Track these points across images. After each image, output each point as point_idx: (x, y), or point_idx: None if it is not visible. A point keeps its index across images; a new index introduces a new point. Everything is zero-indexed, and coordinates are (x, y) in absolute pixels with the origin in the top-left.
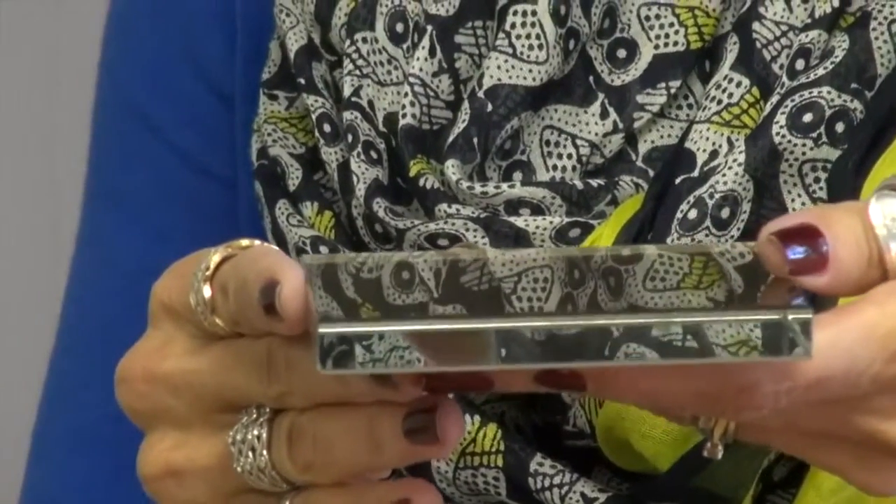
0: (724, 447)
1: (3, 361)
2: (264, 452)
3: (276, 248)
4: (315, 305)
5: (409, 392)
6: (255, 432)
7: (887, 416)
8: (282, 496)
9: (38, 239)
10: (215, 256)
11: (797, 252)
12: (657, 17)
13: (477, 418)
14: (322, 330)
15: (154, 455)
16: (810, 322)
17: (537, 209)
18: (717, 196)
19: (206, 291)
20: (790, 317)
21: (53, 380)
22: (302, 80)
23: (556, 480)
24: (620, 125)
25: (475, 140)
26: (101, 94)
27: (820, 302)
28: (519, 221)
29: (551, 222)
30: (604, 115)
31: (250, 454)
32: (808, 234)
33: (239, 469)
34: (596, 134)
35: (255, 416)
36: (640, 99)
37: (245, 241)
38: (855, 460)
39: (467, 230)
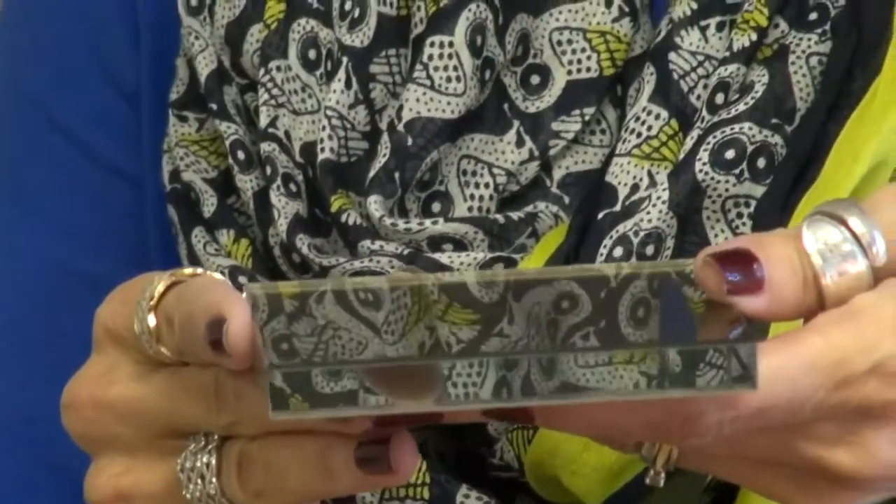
0: (665, 475)
1: None
2: (213, 479)
3: (221, 277)
4: (263, 346)
5: (360, 425)
6: (204, 459)
7: (830, 443)
8: None
9: None
10: (160, 286)
11: (734, 275)
12: (569, 41)
13: None
14: (273, 374)
15: (103, 480)
16: (755, 352)
17: (460, 244)
18: (641, 234)
19: (151, 321)
20: (736, 346)
21: None
22: (214, 106)
23: None
24: (536, 152)
25: (396, 174)
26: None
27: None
28: (443, 258)
29: (475, 258)
30: (519, 142)
31: (199, 481)
32: (743, 259)
33: (188, 496)
34: (512, 162)
35: (203, 443)
36: (554, 126)
37: (188, 270)
38: (798, 487)
39: (392, 267)
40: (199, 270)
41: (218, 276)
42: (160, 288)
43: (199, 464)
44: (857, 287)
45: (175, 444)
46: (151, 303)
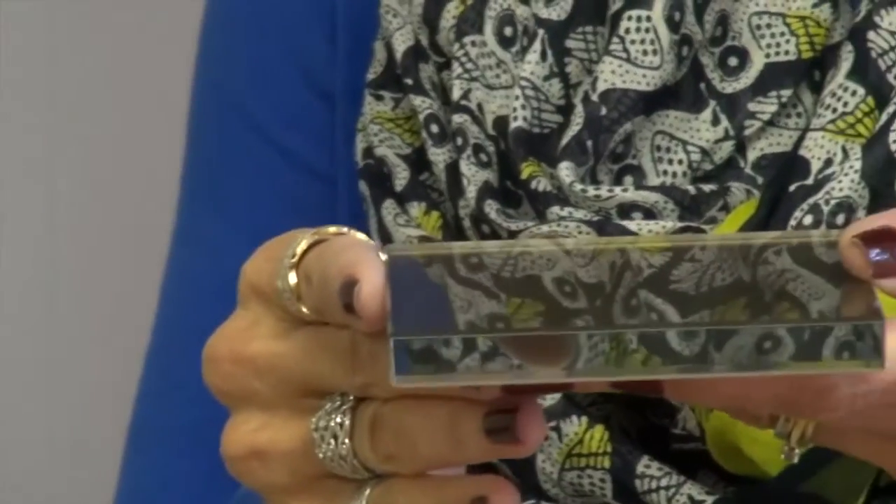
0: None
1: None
2: (346, 440)
3: (363, 237)
4: (390, 308)
5: (490, 392)
6: (338, 420)
7: None
8: (362, 483)
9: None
10: (303, 243)
11: (879, 255)
12: (768, 26)
13: (584, 419)
14: (395, 339)
15: (239, 435)
16: (883, 330)
17: (649, 213)
18: (832, 202)
19: (292, 279)
20: (866, 324)
21: (153, 376)
22: (409, 81)
23: (663, 483)
24: (731, 132)
25: (588, 143)
26: (199, 93)
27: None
28: (631, 225)
29: (664, 226)
30: (715, 121)
31: (332, 441)
32: (890, 237)
33: (321, 455)
34: (707, 140)
35: (338, 403)
36: (751, 107)
37: (333, 228)
38: None
39: (580, 233)
40: (344, 229)
41: (361, 235)
42: (303, 246)
43: (332, 423)
44: None
45: (312, 404)
46: (293, 260)
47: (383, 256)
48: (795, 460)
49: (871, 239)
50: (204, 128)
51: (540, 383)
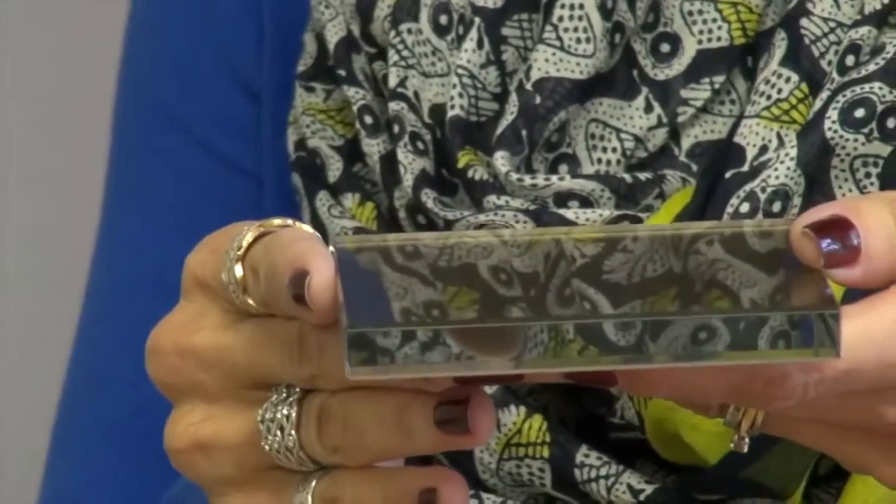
0: (750, 440)
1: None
2: (293, 432)
3: (309, 229)
4: (343, 301)
5: (440, 384)
6: (285, 411)
7: None
8: (308, 475)
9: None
10: (248, 236)
11: (829, 245)
12: (700, 12)
13: (522, 409)
14: (350, 331)
15: (182, 428)
16: (838, 318)
17: (586, 202)
18: (768, 190)
19: (238, 271)
20: (819, 313)
21: (77, 373)
22: (342, 72)
23: (603, 472)
24: (664, 119)
25: (523, 132)
26: (124, 91)
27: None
28: (568, 213)
29: (601, 215)
30: (648, 109)
31: (279, 433)
32: (839, 226)
33: (266, 447)
34: (640, 128)
35: (284, 395)
36: (683, 93)
37: (278, 220)
38: (881, 454)
39: (517, 222)
40: (289, 221)
41: (307, 227)
42: (249, 238)
43: (279, 415)
44: None
45: (257, 395)
46: (239, 253)
47: (331, 248)
48: (745, 450)
49: (822, 228)
50: (129, 125)
51: (492, 374)
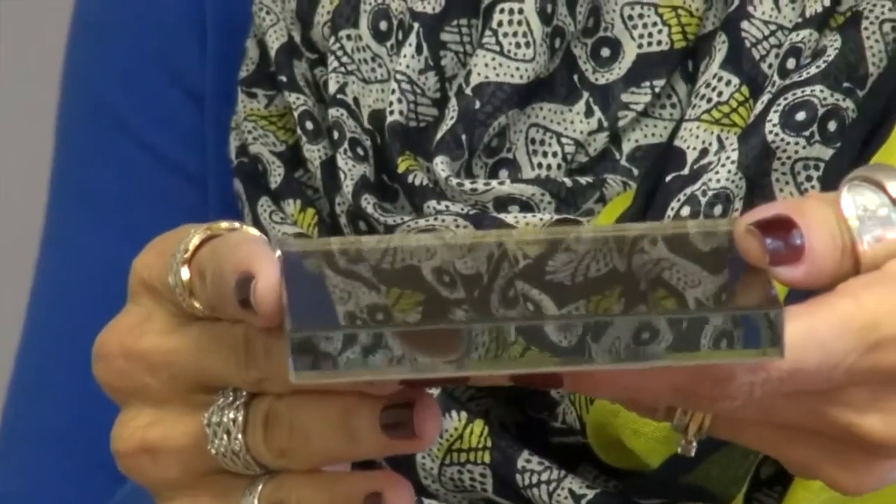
0: (697, 444)
1: None
2: (239, 436)
3: (256, 233)
4: (287, 305)
5: (385, 387)
6: (231, 415)
7: (861, 409)
8: (254, 479)
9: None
10: (195, 239)
11: (774, 244)
12: (640, 16)
13: (463, 414)
14: (293, 335)
15: (129, 431)
16: (782, 318)
17: (526, 206)
18: (709, 194)
19: (185, 274)
20: (763, 312)
21: (22, 377)
22: (283, 78)
23: (544, 477)
24: (605, 124)
25: (463, 137)
26: (67, 94)
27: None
28: (508, 218)
29: (541, 219)
30: (588, 113)
31: (225, 437)
32: (782, 226)
33: (213, 451)
34: (581, 132)
35: (231, 398)
36: (624, 98)
37: (225, 223)
38: (828, 456)
39: (457, 226)
40: (236, 224)
41: (254, 231)
42: (195, 241)
43: (225, 419)
44: (893, 253)
45: (204, 399)
46: (186, 256)
47: (277, 252)
48: (692, 454)
49: (766, 227)
50: (73, 127)
51: (438, 377)
